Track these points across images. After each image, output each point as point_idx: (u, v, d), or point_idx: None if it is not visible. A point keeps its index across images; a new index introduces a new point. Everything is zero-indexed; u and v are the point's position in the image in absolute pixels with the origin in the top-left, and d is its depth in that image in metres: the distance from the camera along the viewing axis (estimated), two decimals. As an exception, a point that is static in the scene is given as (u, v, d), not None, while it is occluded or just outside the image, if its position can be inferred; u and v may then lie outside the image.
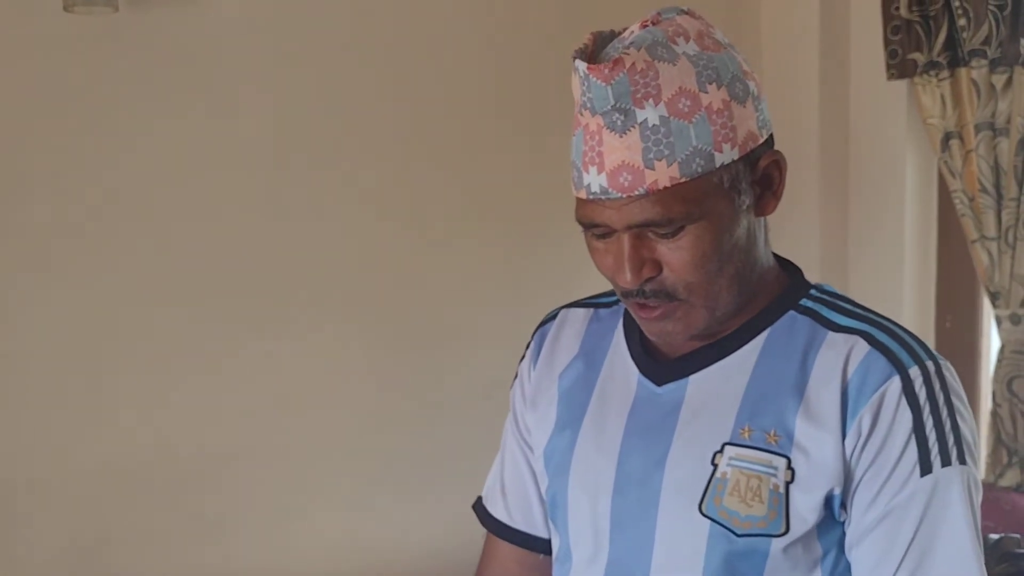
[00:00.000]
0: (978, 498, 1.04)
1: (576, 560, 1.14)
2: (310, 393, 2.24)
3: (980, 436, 2.51)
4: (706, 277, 1.03)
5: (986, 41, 2.36)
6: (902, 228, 2.63)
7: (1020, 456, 2.38)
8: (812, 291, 1.12)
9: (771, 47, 2.71)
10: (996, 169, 2.39)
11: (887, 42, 2.56)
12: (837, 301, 1.11)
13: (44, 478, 2.00)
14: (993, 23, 2.34)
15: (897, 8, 2.53)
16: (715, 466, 1.05)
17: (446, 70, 2.36)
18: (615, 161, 0.99)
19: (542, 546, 1.23)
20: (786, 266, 1.15)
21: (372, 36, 2.27)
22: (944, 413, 1.02)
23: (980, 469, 2.48)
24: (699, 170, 0.99)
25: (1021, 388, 2.37)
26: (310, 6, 2.20)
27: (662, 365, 1.12)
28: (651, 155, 0.98)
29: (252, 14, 2.14)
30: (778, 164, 1.06)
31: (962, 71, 2.44)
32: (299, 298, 2.21)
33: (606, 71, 0.97)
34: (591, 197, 1.02)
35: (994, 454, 2.42)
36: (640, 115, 0.98)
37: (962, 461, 1.02)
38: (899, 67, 2.55)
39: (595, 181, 1.00)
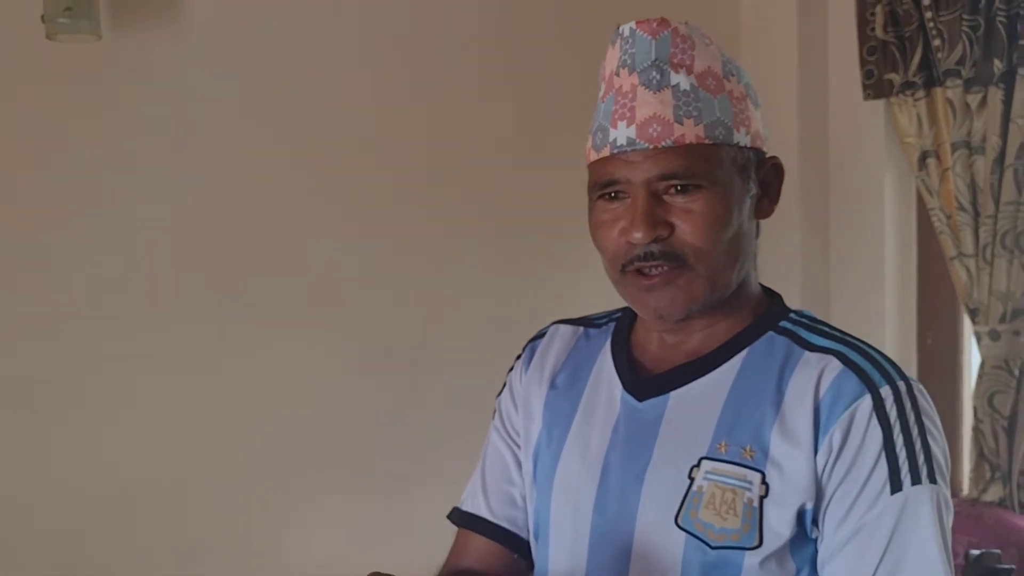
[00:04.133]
0: (949, 517, 1.05)
1: (554, 571, 1.16)
2: (295, 411, 2.25)
3: (963, 452, 2.52)
4: (714, 244, 1.07)
5: (960, 61, 2.39)
6: (882, 246, 2.65)
7: (1003, 471, 2.39)
8: (792, 315, 1.15)
9: (749, 68, 2.72)
10: (973, 187, 2.42)
11: (863, 63, 2.60)
12: (816, 324, 1.14)
13: (25, 501, 2.00)
14: (967, 44, 2.37)
15: (873, 29, 2.56)
16: (692, 480, 1.07)
17: (439, 93, 2.38)
18: (646, 114, 1.06)
19: (518, 545, 1.24)
20: (768, 293, 1.19)
21: (359, 57, 2.29)
22: (915, 432, 1.04)
23: (964, 484, 2.49)
24: (720, 137, 1.07)
25: (1002, 403, 2.38)
26: (296, 28, 2.23)
27: (645, 381, 1.14)
28: (681, 112, 1.06)
29: (236, 39, 2.16)
30: (777, 168, 1.14)
31: (937, 91, 2.47)
32: (284, 317, 2.23)
33: (654, 25, 1.08)
34: (616, 151, 1.07)
35: (977, 469, 2.43)
36: (674, 78, 1.07)
37: (932, 480, 1.03)
38: (875, 87, 2.58)
39: (623, 134, 1.06)
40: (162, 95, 2.09)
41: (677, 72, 1.06)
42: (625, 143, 1.06)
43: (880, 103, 2.61)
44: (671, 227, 1.06)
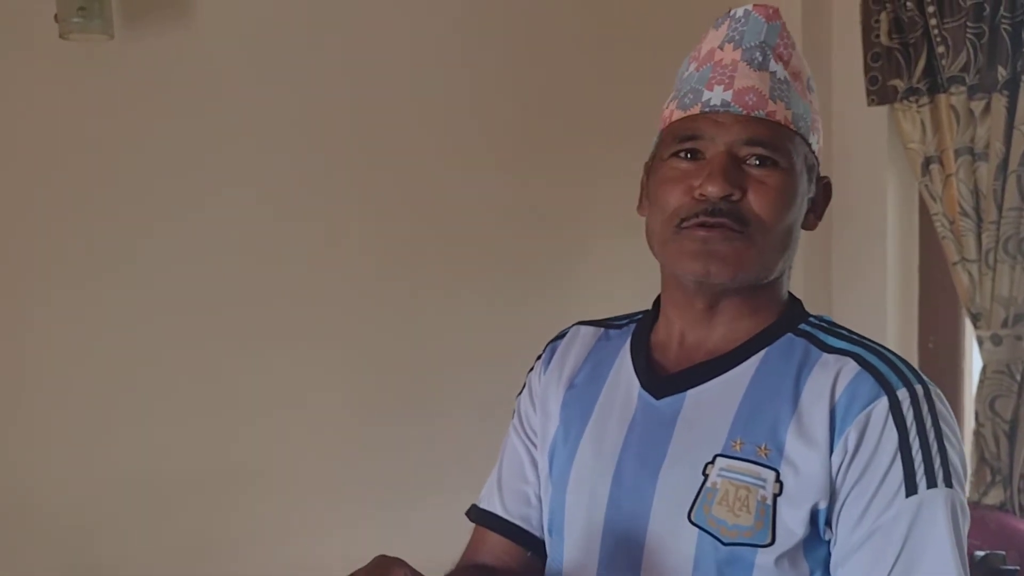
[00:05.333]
0: (965, 523, 1.05)
1: (568, 567, 1.17)
2: (303, 414, 2.25)
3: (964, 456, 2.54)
4: (777, 222, 1.09)
5: (964, 68, 2.41)
6: (885, 251, 2.67)
7: (1004, 475, 2.41)
8: (811, 318, 1.16)
9: (755, 74, 2.74)
10: (976, 193, 2.43)
11: (867, 69, 2.61)
12: (834, 328, 1.15)
13: (32, 502, 2.00)
14: (971, 51, 2.39)
15: (877, 36, 2.58)
16: (706, 476, 1.07)
17: (453, 95, 2.39)
18: (745, 83, 1.09)
19: (531, 542, 1.26)
20: (791, 297, 1.20)
21: (372, 57, 2.30)
22: (931, 436, 1.04)
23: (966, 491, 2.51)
24: (802, 129, 1.11)
25: (1003, 407, 2.40)
26: (304, 33, 2.24)
27: (663, 379, 1.15)
28: (776, 93, 1.10)
29: (247, 38, 2.17)
30: (827, 188, 1.18)
31: (941, 97, 2.48)
32: (292, 320, 2.23)
33: (770, 11, 1.12)
34: (707, 111, 1.10)
35: (978, 473, 2.45)
36: (773, 65, 1.11)
37: (948, 484, 1.03)
38: (879, 93, 2.60)
39: (719, 96, 1.09)
40: (174, 94, 2.10)
41: (776, 61, 1.10)
42: (719, 104, 1.09)
43: (884, 109, 2.63)
44: (744, 192, 1.08)
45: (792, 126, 1.09)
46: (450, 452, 2.34)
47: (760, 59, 1.10)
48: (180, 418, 2.12)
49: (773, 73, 1.10)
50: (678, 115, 1.12)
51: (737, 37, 1.11)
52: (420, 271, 2.38)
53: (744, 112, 1.08)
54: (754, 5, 1.12)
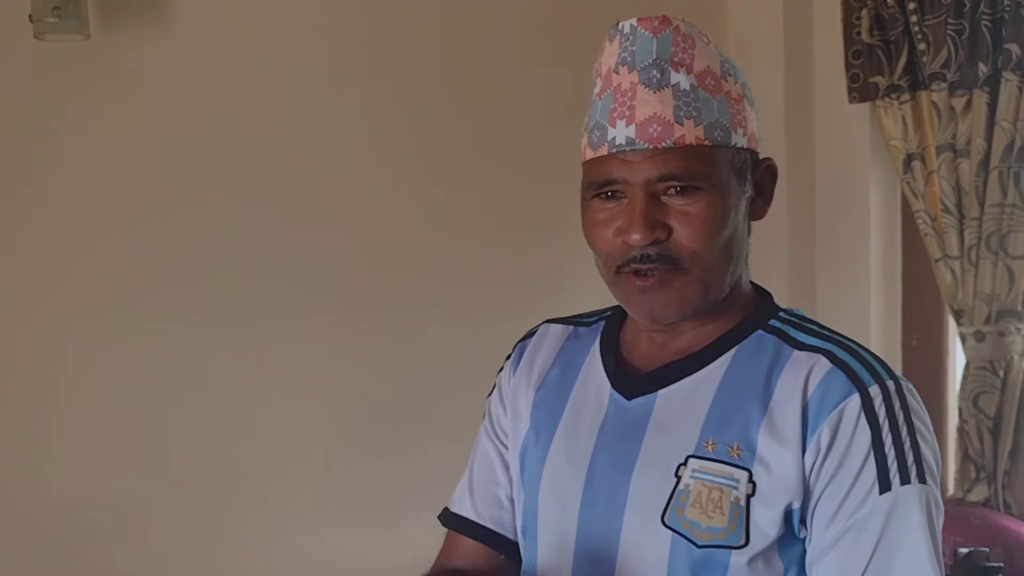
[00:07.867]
0: (939, 518, 1.04)
1: (541, 569, 1.16)
2: (286, 413, 2.24)
3: (948, 452, 2.54)
4: (710, 248, 1.07)
5: (945, 65, 2.41)
6: (867, 248, 2.67)
7: (988, 471, 2.41)
8: (781, 313, 1.15)
9: (736, 72, 2.75)
10: (958, 189, 2.44)
11: (849, 66, 2.61)
12: (805, 323, 1.14)
13: (36, 503, 2.00)
14: (952, 47, 2.39)
15: (858, 33, 2.58)
16: (678, 478, 1.06)
17: (434, 89, 2.38)
18: (646, 113, 1.04)
19: (505, 546, 1.25)
20: (759, 291, 1.18)
21: (348, 56, 2.28)
22: (904, 432, 1.03)
23: (949, 485, 2.51)
24: (719, 139, 1.06)
25: (987, 404, 2.40)
26: (284, 27, 2.22)
27: (633, 380, 1.14)
28: (681, 113, 1.04)
29: (224, 38, 2.16)
30: (771, 170, 1.14)
31: (923, 94, 2.49)
32: (275, 318, 2.22)
33: (656, 23, 1.06)
34: (614, 151, 1.06)
35: (962, 469, 2.45)
36: (674, 77, 1.05)
37: (922, 480, 1.02)
38: (861, 91, 2.60)
39: (622, 133, 1.05)
40: (150, 95, 2.08)
41: (677, 71, 1.05)
42: (624, 143, 1.05)
43: (865, 106, 2.63)
44: (668, 230, 1.05)
45: (707, 141, 1.04)
46: (440, 461, 2.32)
47: (658, 77, 1.04)
48: (175, 423, 2.11)
49: (676, 86, 1.04)
50: (590, 154, 1.09)
51: (630, 59, 1.06)
52: (411, 282, 2.36)
53: (651, 146, 1.03)
54: (638, 20, 1.06)
